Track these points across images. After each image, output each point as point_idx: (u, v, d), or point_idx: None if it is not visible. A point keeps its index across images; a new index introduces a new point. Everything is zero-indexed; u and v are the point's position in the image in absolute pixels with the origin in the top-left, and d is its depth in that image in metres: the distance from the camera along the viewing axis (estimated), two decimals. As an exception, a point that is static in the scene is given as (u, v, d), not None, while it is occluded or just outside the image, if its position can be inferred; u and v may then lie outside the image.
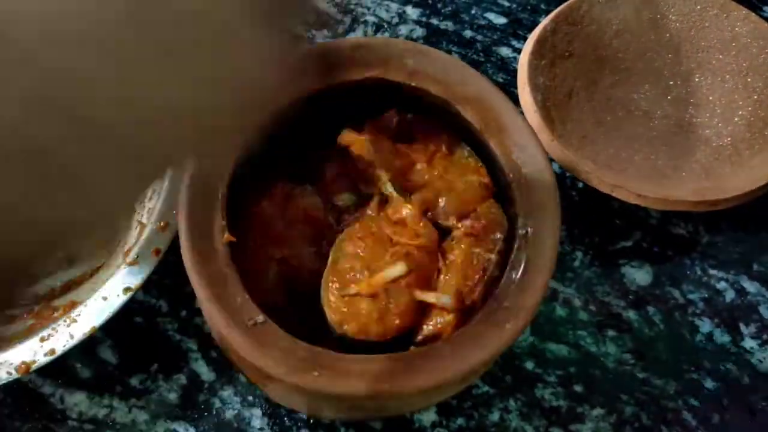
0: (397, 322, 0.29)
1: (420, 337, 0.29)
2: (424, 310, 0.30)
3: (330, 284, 0.30)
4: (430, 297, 0.29)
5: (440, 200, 0.31)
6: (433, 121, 0.33)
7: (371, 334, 0.29)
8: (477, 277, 0.30)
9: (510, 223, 0.31)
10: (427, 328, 0.29)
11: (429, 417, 0.37)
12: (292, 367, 0.26)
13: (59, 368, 0.38)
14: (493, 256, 0.30)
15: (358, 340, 0.29)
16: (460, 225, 0.31)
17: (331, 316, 0.29)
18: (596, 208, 0.42)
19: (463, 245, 0.30)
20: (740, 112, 0.41)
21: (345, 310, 0.29)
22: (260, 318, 0.27)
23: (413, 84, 0.32)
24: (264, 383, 0.30)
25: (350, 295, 0.29)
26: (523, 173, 0.30)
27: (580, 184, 0.42)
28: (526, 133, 0.31)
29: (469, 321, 0.28)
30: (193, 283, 0.28)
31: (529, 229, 0.29)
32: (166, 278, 0.40)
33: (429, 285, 0.30)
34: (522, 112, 0.40)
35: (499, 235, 0.31)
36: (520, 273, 0.28)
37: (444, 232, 0.32)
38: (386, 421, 0.36)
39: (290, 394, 0.30)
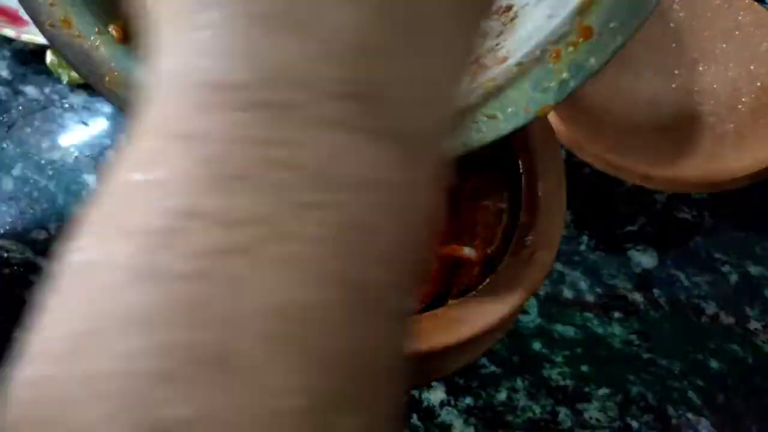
0: (429, 287, 0.30)
1: (453, 297, 0.30)
2: (452, 272, 0.30)
3: None
4: (455, 251, 0.30)
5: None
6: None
7: None
8: (493, 226, 0.30)
9: (512, 173, 0.32)
10: (457, 286, 0.30)
11: (437, 396, 0.37)
12: None
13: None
14: (503, 205, 0.31)
15: None
16: (466, 184, 0.32)
17: None
18: (602, 193, 0.43)
19: (472, 200, 0.31)
20: (743, 99, 0.42)
21: None
22: None
23: None
24: None
25: None
26: (528, 139, 0.31)
27: (587, 170, 0.43)
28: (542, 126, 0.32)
29: (497, 268, 0.29)
30: None
31: (534, 171, 0.30)
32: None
33: (450, 243, 0.31)
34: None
35: (503, 184, 0.32)
36: (535, 211, 0.30)
37: (451, 195, 0.33)
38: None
39: None
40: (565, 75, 0.19)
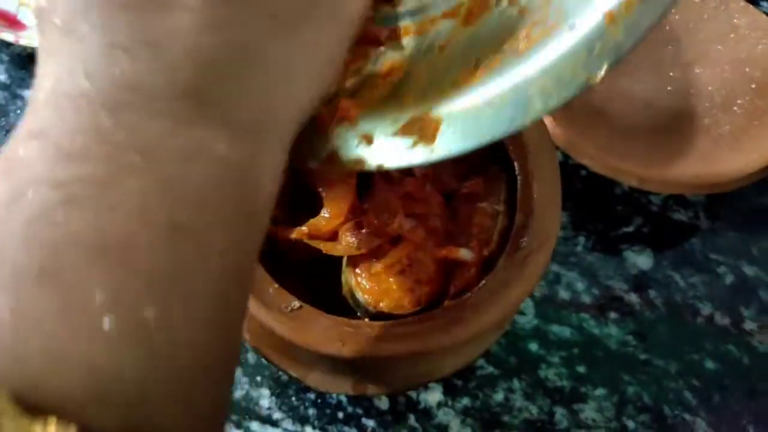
0: (427, 289, 0.30)
1: (450, 298, 0.30)
2: (448, 273, 0.31)
3: (353, 268, 0.31)
4: (451, 252, 0.30)
5: (439, 169, 0.33)
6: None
7: (406, 306, 0.30)
8: (489, 228, 0.31)
9: (509, 175, 0.32)
10: (455, 287, 0.30)
11: (435, 397, 0.37)
12: (343, 340, 0.27)
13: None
14: (500, 207, 0.31)
15: (393, 315, 0.30)
16: (463, 186, 0.32)
17: (365, 297, 0.30)
18: (598, 195, 0.43)
19: (469, 203, 0.32)
20: (739, 101, 0.42)
21: (377, 288, 0.30)
22: (296, 304, 0.28)
23: None
24: (305, 373, 0.32)
25: (377, 273, 0.30)
26: (523, 140, 0.31)
27: (583, 172, 0.43)
28: (536, 128, 0.32)
29: (493, 269, 0.29)
30: None
31: (530, 173, 0.31)
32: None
33: (447, 245, 0.31)
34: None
35: (500, 186, 0.32)
36: (530, 213, 0.30)
37: (448, 197, 0.33)
38: (393, 402, 0.37)
39: (334, 377, 0.32)
40: (620, 37, 0.19)
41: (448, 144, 0.19)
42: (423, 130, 0.20)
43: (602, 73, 0.19)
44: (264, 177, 0.17)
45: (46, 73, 0.16)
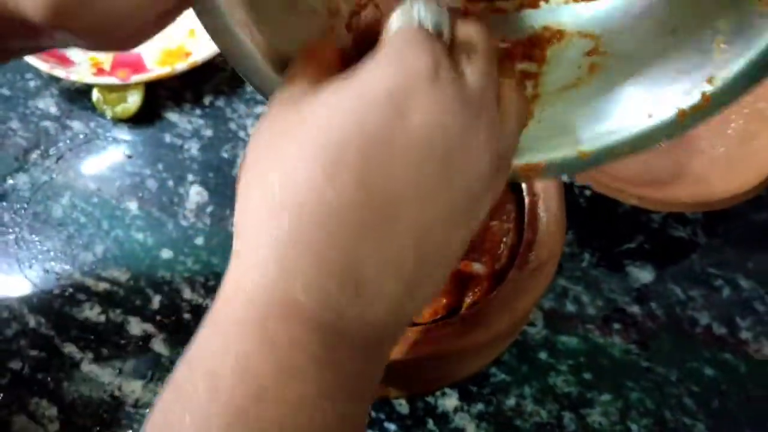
0: (444, 300, 0.33)
1: (465, 308, 0.33)
2: (463, 285, 0.34)
3: None
4: (466, 267, 0.33)
5: None
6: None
7: (426, 316, 0.33)
8: (500, 244, 0.34)
9: (517, 195, 0.36)
10: (468, 299, 0.33)
11: (451, 402, 0.40)
12: None
13: (117, 359, 0.42)
14: (509, 225, 0.34)
15: (414, 324, 0.33)
16: None
17: None
18: (602, 214, 0.46)
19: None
20: (732, 125, 0.45)
21: None
22: None
23: None
24: None
25: None
26: None
27: (587, 193, 0.46)
28: None
29: (504, 282, 0.32)
30: None
31: (536, 194, 0.34)
32: (210, 280, 0.45)
33: (462, 261, 0.34)
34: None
35: (509, 206, 0.35)
36: (537, 230, 0.33)
37: None
38: (413, 408, 0.40)
39: None
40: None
41: None
42: None
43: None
44: (380, 369, 0.22)
45: (240, 276, 0.20)
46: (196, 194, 0.49)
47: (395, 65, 0.20)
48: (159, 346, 0.42)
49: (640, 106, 0.24)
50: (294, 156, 0.20)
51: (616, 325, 0.42)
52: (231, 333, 0.19)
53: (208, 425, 0.18)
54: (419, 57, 0.20)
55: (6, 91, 0.54)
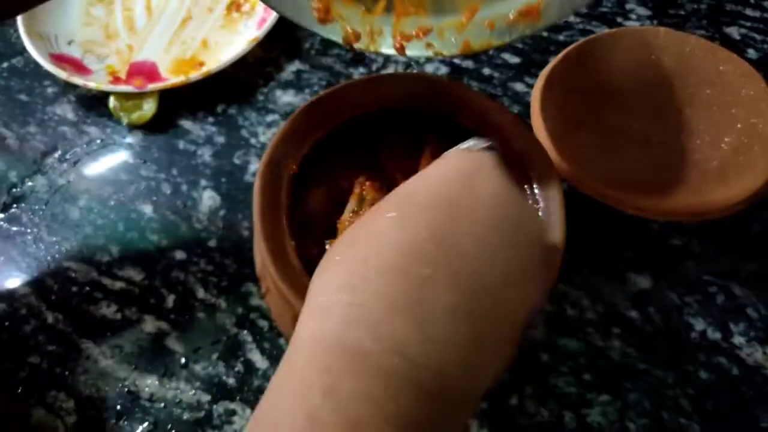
0: None
1: None
2: None
3: None
4: None
5: None
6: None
7: None
8: None
9: None
10: None
11: (456, 401, 0.42)
12: None
13: (132, 355, 0.43)
14: None
15: None
16: None
17: None
18: (602, 222, 0.48)
19: None
20: (726, 139, 0.47)
21: None
22: None
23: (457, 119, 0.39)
24: None
25: None
26: (532, 173, 0.37)
27: (589, 202, 0.48)
28: (544, 162, 0.37)
29: None
30: (261, 251, 0.34)
31: (539, 202, 0.36)
32: (223, 281, 0.46)
33: None
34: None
35: None
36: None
37: None
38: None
39: None
40: None
41: None
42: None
43: None
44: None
45: (316, 323, 0.21)
46: (208, 198, 0.50)
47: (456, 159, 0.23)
48: (173, 343, 0.44)
49: None
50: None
51: (615, 329, 0.44)
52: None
53: None
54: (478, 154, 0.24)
55: (25, 97, 0.56)
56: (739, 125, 0.47)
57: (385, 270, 0.20)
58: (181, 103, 0.55)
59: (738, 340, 0.43)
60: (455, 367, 0.21)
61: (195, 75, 0.53)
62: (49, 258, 0.48)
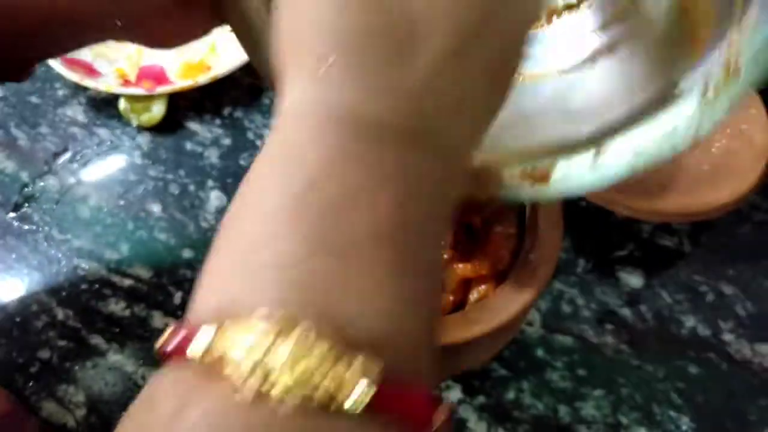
0: (451, 298, 0.36)
1: (469, 306, 0.36)
2: (468, 285, 0.37)
3: None
4: (471, 268, 0.36)
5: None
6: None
7: None
8: (503, 248, 0.37)
9: (519, 204, 0.39)
10: (473, 296, 0.36)
11: (455, 395, 0.43)
12: None
13: (141, 350, 0.45)
14: (511, 230, 0.38)
15: None
16: (482, 214, 0.39)
17: None
18: (596, 223, 0.49)
19: (486, 227, 0.38)
20: (716, 144, 0.49)
21: None
22: None
23: None
24: None
25: None
26: None
27: (583, 203, 0.50)
28: None
29: (505, 281, 0.35)
30: None
31: (536, 202, 0.37)
32: (230, 277, 0.47)
33: (467, 262, 0.37)
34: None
35: (513, 214, 0.38)
36: (537, 236, 0.36)
37: (470, 224, 0.39)
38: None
39: None
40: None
41: None
42: None
43: None
44: (455, 191, 0.21)
45: (295, 97, 0.19)
46: (215, 198, 0.52)
47: None
48: (181, 338, 0.45)
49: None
50: None
51: (608, 326, 0.45)
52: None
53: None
54: None
55: (36, 99, 0.57)
56: (728, 130, 0.49)
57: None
58: (189, 105, 0.56)
59: (727, 337, 0.45)
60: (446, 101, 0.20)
61: (203, 78, 0.55)
62: (59, 256, 0.49)
